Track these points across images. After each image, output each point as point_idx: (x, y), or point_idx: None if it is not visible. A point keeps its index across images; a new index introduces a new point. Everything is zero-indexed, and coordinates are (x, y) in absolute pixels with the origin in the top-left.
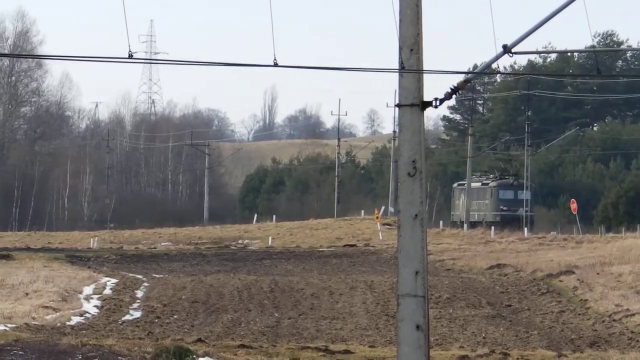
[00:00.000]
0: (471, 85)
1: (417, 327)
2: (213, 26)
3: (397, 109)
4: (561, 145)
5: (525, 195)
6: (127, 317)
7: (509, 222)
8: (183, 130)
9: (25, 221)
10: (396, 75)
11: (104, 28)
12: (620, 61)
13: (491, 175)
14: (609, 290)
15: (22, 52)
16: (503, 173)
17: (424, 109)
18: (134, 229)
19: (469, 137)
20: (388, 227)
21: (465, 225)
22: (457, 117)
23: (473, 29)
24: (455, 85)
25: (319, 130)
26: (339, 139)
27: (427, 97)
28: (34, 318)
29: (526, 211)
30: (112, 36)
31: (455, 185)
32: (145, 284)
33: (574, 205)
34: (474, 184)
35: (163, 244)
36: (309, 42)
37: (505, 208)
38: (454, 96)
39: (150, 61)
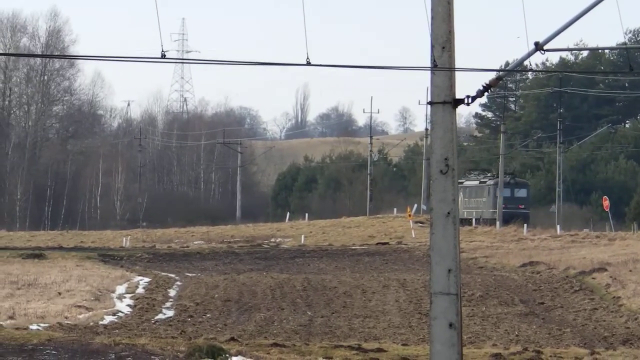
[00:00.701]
0: (503, 83)
1: (450, 325)
2: (245, 23)
3: (429, 106)
4: (593, 143)
5: (522, 193)
6: (160, 316)
7: (506, 219)
8: (215, 128)
9: (57, 220)
10: (428, 73)
11: (136, 26)
12: None
13: (489, 174)
14: None
15: (55, 51)
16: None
17: (456, 107)
18: (167, 227)
19: (501, 135)
20: (420, 224)
21: (498, 223)
22: (489, 114)
23: (505, 26)
24: (487, 82)
25: (351, 128)
26: (371, 137)
27: (459, 95)
28: (66, 317)
29: (523, 208)
30: (145, 34)
31: None
32: (178, 282)
33: (606, 203)
34: (471, 182)
35: (196, 242)
36: (341, 39)
37: (502, 206)
38: (485, 93)
39: (183, 61)
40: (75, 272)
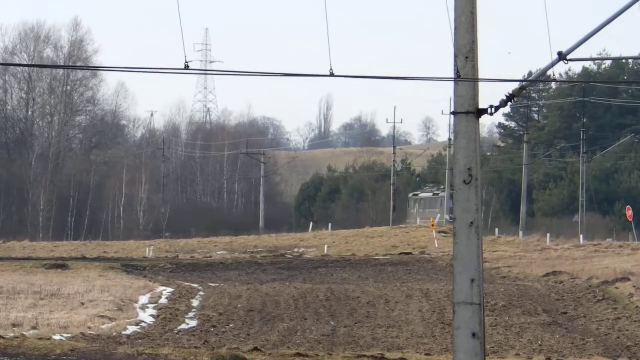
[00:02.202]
0: (526, 93)
1: (473, 335)
2: (268, 33)
3: (452, 116)
4: (617, 152)
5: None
6: (183, 326)
7: None
8: (238, 139)
9: (81, 230)
10: (452, 83)
11: (159, 36)
12: None
13: (442, 187)
14: None
15: (78, 62)
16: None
17: (480, 117)
18: (190, 237)
19: (524, 145)
20: (444, 235)
21: (520, 233)
22: (513, 124)
23: (528, 36)
24: (511, 92)
25: (374, 139)
26: (394, 147)
27: (482, 105)
28: (90, 328)
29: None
30: (168, 43)
31: (410, 195)
32: (201, 293)
33: (629, 212)
34: (425, 195)
35: (219, 252)
36: (365, 49)
37: (454, 216)
38: (509, 104)
39: (206, 72)
40: (99, 283)
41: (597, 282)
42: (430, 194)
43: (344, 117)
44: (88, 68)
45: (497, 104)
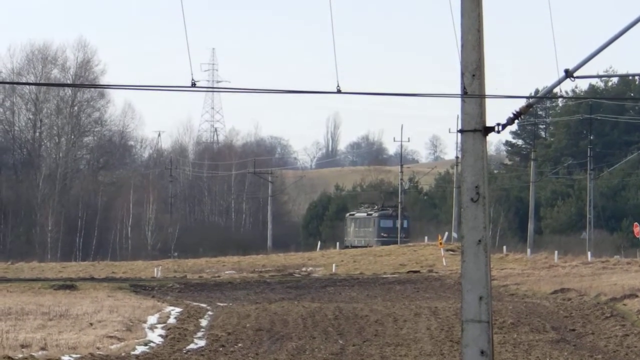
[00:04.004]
0: (533, 110)
1: (482, 352)
2: (274, 52)
3: (459, 134)
4: (624, 169)
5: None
6: (192, 346)
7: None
8: (246, 158)
9: (89, 251)
10: (458, 101)
11: (165, 56)
12: None
13: (375, 207)
14: None
15: (84, 82)
16: (384, 205)
17: (487, 135)
18: (198, 257)
19: (532, 162)
20: (452, 252)
21: (528, 250)
22: (519, 142)
23: (535, 53)
24: (518, 110)
25: (381, 157)
26: (401, 165)
27: (489, 123)
28: (98, 348)
29: (404, 237)
30: (174, 64)
31: (347, 215)
32: (210, 312)
33: (637, 229)
34: (360, 214)
35: (227, 272)
36: (371, 67)
37: (385, 235)
38: (516, 121)
39: (213, 89)
40: (107, 303)
41: (605, 299)
42: (365, 214)
43: (351, 136)
44: (94, 86)
45: (504, 121)
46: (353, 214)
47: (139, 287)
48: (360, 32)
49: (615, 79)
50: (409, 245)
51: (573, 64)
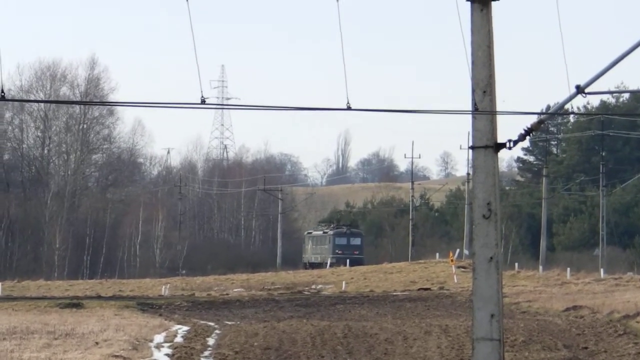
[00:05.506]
0: (544, 126)
1: None
2: (284, 69)
3: (470, 151)
4: (636, 185)
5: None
6: None
7: (344, 262)
8: (256, 175)
9: (96, 269)
10: (469, 117)
11: (174, 73)
12: None
13: (332, 225)
14: None
15: (93, 100)
16: (339, 223)
17: (498, 151)
18: (206, 275)
19: (544, 178)
20: (463, 270)
21: (540, 267)
22: (531, 158)
23: (545, 69)
24: (529, 126)
25: (392, 174)
26: (412, 182)
27: (500, 139)
28: None
29: (357, 254)
30: (184, 82)
31: (305, 233)
32: (217, 331)
33: None
34: (317, 232)
35: (235, 290)
36: (382, 84)
37: (339, 252)
38: (527, 137)
39: (222, 106)
40: (113, 322)
41: (618, 316)
42: (321, 232)
43: (361, 153)
44: (104, 103)
45: (515, 137)
46: (310, 232)
47: (146, 305)
48: (370, 49)
49: (626, 95)
50: (419, 263)
51: (584, 79)
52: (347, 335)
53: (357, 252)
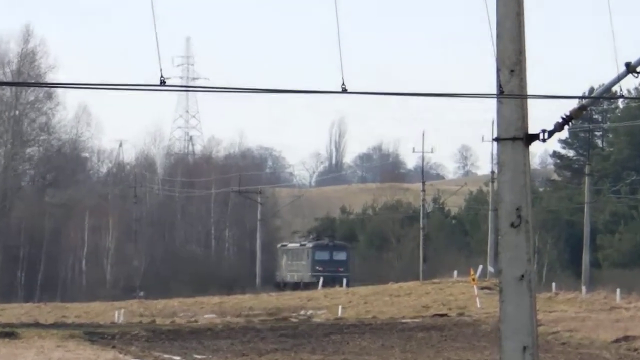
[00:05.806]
0: (587, 114)
1: None
2: (265, 44)
3: (495, 143)
4: None
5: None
6: None
7: (326, 282)
8: (229, 173)
9: (33, 289)
10: (493, 102)
11: (128, 51)
12: None
13: (311, 236)
14: None
15: (28, 80)
16: (319, 234)
17: (529, 144)
18: (170, 297)
19: (586, 178)
20: (488, 291)
21: (583, 288)
22: (570, 153)
23: (588, 44)
24: (568, 113)
25: (398, 172)
26: (423, 182)
27: (532, 129)
28: None
29: (342, 271)
30: (140, 60)
31: (279, 246)
32: None
33: None
34: (293, 245)
35: (206, 316)
36: (385, 65)
37: (320, 269)
38: (566, 127)
39: (187, 88)
40: (56, 355)
41: None
42: (298, 244)
43: (360, 146)
44: (41, 85)
45: (551, 127)
46: (285, 245)
47: (96, 334)
48: (370, 24)
49: None
50: (433, 282)
51: (636, 56)
52: None
53: (341, 269)
